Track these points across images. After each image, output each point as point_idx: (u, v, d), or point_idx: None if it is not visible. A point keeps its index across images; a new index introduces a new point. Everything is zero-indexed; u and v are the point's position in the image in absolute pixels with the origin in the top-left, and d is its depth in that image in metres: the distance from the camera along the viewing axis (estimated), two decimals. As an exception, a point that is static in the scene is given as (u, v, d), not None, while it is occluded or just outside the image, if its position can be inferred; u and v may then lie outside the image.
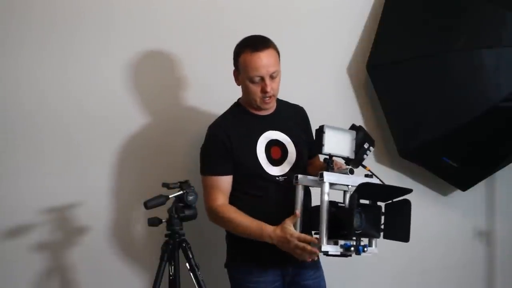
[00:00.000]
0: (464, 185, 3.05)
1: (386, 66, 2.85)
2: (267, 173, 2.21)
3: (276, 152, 2.24)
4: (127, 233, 2.62)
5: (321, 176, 2.00)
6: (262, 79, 2.15)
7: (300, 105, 2.44)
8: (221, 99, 2.44)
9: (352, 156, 2.13)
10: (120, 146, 2.60)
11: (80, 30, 2.53)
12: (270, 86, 2.15)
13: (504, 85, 2.59)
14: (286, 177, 2.22)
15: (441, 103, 2.72)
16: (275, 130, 2.27)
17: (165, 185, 2.18)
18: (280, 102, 2.34)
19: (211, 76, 2.69)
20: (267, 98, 2.19)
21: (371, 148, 2.18)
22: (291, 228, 2.05)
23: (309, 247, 2.00)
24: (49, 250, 2.50)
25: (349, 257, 2.06)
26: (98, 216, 2.57)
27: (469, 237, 3.26)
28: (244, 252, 2.26)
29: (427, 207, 3.13)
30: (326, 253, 2.01)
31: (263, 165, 2.21)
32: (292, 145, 2.27)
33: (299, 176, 2.08)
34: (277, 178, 2.21)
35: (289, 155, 2.26)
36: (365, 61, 2.92)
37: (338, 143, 2.09)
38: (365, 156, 2.17)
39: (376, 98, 2.94)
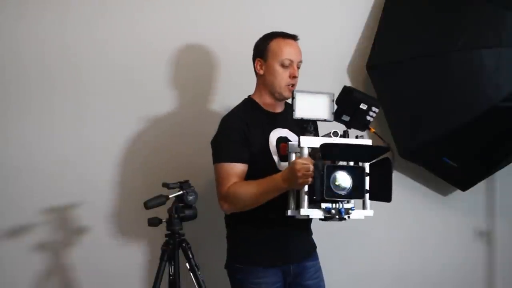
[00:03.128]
0: (464, 185, 3.05)
1: (386, 66, 2.85)
2: (278, 168, 2.21)
3: (284, 148, 2.24)
4: (127, 233, 2.62)
5: (298, 140, 1.98)
6: (291, 64, 2.22)
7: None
8: (225, 100, 2.45)
9: (330, 119, 2.05)
10: (120, 147, 2.60)
11: (85, 28, 2.53)
12: (297, 72, 2.23)
13: (504, 85, 2.59)
14: None
15: (441, 103, 2.71)
16: (284, 128, 2.28)
17: (165, 185, 2.18)
18: (288, 104, 2.35)
19: (216, 78, 2.70)
20: (291, 86, 2.23)
21: (373, 108, 2.06)
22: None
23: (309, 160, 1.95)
24: (49, 250, 2.50)
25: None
26: (98, 216, 2.57)
27: (469, 237, 3.25)
28: (245, 252, 2.25)
29: (427, 207, 3.13)
30: (307, 217, 1.97)
31: (275, 160, 2.21)
32: None
33: (289, 143, 2.09)
34: None
35: None
36: (365, 61, 2.92)
37: (312, 106, 2.03)
38: (368, 117, 2.07)
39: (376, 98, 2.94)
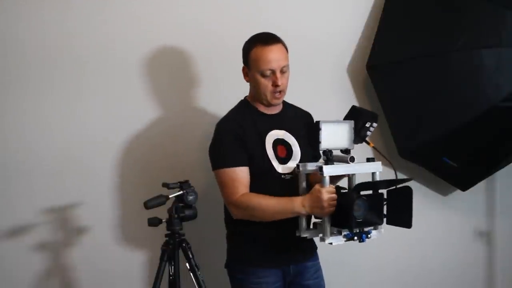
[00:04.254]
0: (464, 185, 3.05)
1: (386, 66, 2.85)
2: (276, 170, 2.21)
3: (282, 150, 2.24)
4: (127, 233, 2.62)
5: (321, 170, 2.00)
6: (273, 72, 2.17)
7: (301, 105, 2.44)
8: (223, 101, 2.44)
9: (350, 147, 2.12)
10: (120, 147, 2.60)
11: (85, 31, 2.53)
12: (280, 80, 2.17)
13: (504, 85, 2.59)
14: (291, 175, 2.22)
15: (441, 103, 2.72)
16: (281, 129, 2.27)
17: (165, 185, 2.18)
18: (287, 104, 2.35)
19: (213, 78, 2.69)
20: (277, 93, 2.20)
21: (374, 124, 2.16)
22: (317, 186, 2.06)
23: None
24: (49, 250, 2.50)
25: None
26: (98, 216, 2.57)
27: (469, 237, 3.26)
28: (245, 253, 2.25)
29: (427, 207, 3.13)
30: (330, 244, 2.05)
31: (272, 162, 2.21)
32: (297, 145, 2.27)
33: (300, 164, 2.10)
34: (282, 176, 2.21)
35: (294, 154, 2.26)
36: (365, 61, 2.92)
37: (335, 137, 2.08)
38: (368, 132, 2.17)
39: (376, 98, 2.94)
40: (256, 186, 2.19)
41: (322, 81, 2.92)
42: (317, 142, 2.05)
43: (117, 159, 2.59)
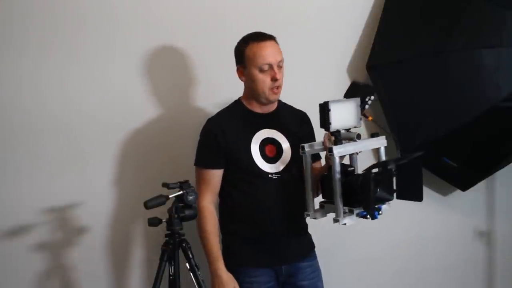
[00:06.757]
0: (464, 185, 3.05)
1: (386, 66, 2.85)
2: (260, 169, 2.21)
3: (270, 150, 2.25)
4: (127, 233, 2.62)
5: (330, 150, 1.95)
6: (271, 67, 2.18)
7: (300, 104, 2.44)
8: (223, 100, 2.44)
9: (358, 125, 2.06)
10: (120, 146, 2.60)
11: (83, 28, 2.52)
12: (279, 74, 2.19)
13: (504, 85, 2.60)
14: (279, 175, 2.23)
15: (441, 103, 2.72)
16: (272, 128, 2.28)
17: (165, 185, 2.18)
18: (282, 104, 2.35)
19: (214, 76, 2.69)
20: (276, 88, 2.21)
21: (372, 97, 2.13)
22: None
23: None
24: (49, 250, 2.50)
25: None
26: (98, 216, 2.57)
27: (469, 237, 3.26)
28: (236, 252, 2.27)
29: (427, 207, 3.12)
30: (344, 224, 2.00)
31: (256, 161, 2.22)
32: (288, 145, 2.27)
33: (306, 145, 2.06)
34: (269, 176, 2.22)
35: (283, 154, 2.26)
36: (365, 61, 2.92)
37: (343, 116, 2.02)
38: (366, 106, 2.13)
39: (376, 98, 2.94)
40: (244, 186, 2.21)
41: (322, 81, 2.92)
42: (327, 123, 1.97)
43: (116, 159, 2.59)
